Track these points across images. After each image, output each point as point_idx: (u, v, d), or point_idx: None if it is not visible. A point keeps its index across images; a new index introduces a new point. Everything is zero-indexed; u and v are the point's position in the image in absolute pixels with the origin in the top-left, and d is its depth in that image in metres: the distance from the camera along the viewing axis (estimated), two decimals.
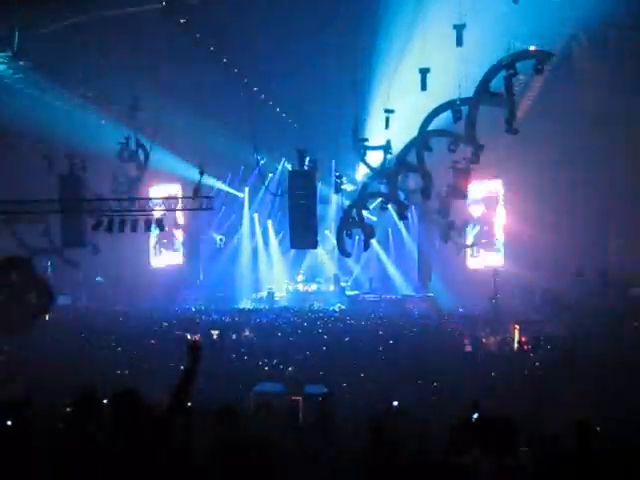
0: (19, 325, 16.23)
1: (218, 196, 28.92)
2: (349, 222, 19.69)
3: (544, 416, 8.12)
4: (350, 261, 29.30)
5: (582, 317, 19.91)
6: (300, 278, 31.98)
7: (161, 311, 24.56)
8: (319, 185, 22.51)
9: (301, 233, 20.42)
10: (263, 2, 17.72)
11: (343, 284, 31.08)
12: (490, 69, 15.71)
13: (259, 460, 5.53)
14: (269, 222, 33.21)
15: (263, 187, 29.90)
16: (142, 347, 17.04)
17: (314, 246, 21.89)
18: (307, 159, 20.78)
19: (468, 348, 18.09)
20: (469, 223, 22.60)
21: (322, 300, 29.77)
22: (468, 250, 28.05)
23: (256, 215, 33.38)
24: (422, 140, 17.75)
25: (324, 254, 31.48)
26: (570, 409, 8.70)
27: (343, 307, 28.14)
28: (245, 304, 28.97)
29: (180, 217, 29.46)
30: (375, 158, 20.99)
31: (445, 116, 17.37)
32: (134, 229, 18.09)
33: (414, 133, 18.03)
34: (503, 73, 15.42)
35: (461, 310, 24.53)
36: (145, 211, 18.34)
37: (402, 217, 22.90)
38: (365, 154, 20.94)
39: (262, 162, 28.00)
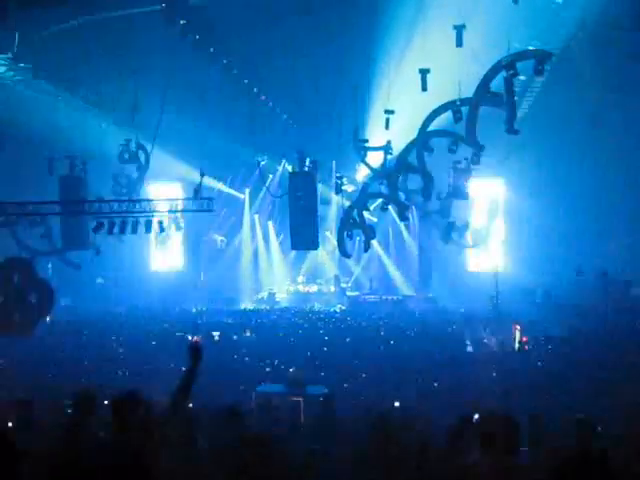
0: (20, 326, 16.25)
1: (219, 197, 28.94)
2: (350, 223, 19.70)
3: (545, 416, 8.11)
4: (351, 262, 29.31)
5: (583, 317, 19.91)
6: (301, 279, 32.01)
7: (162, 312, 24.58)
8: (319, 186, 22.54)
9: (302, 234, 20.45)
10: (263, 3, 17.73)
11: (344, 285, 31.11)
12: (490, 69, 15.72)
13: (260, 460, 5.54)
14: (270, 223, 33.24)
15: (264, 188, 29.93)
16: (143, 348, 17.06)
17: (315, 247, 21.92)
18: (307, 160, 20.81)
19: (469, 348, 18.13)
20: (470, 224, 22.61)
21: (323, 301, 29.83)
22: (469, 250, 28.04)
23: (257, 216, 33.41)
24: (422, 141, 17.76)
25: (325, 255, 31.49)
26: (570, 409, 8.70)
27: (344, 308, 28.16)
28: (246, 305, 28.99)
29: (181, 218, 29.47)
30: (375, 159, 21.00)
31: (446, 116, 17.38)
32: (135, 231, 18.09)
33: (414, 134, 18.04)
34: (503, 73, 15.43)
35: (462, 310, 24.53)
36: (146, 212, 18.34)
37: (403, 218, 22.95)
38: (365, 155, 20.94)
39: (263, 163, 28.03)
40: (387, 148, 19.93)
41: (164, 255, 32.34)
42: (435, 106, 17.54)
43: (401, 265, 31.43)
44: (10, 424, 6.91)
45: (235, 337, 19.23)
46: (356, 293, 30.68)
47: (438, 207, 21.86)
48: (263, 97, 23.19)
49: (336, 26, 18.68)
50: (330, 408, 9.43)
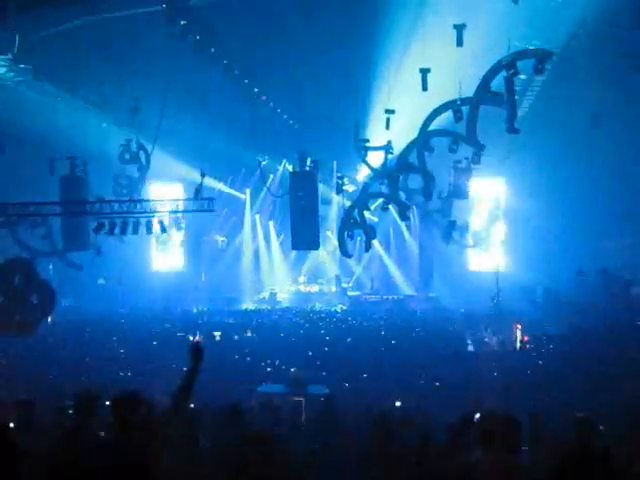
0: (22, 327, 16.27)
1: (220, 197, 28.94)
2: (350, 223, 19.69)
3: (546, 414, 8.11)
4: (351, 262, 29.32)
5: (583, 315, 19.91)
6: (302, 279, 32.03)
7: (163, 312, 24.59)
8: (320, 186, 22.54)
9: (303, 234, 20.46)
10: (263, 4, 17.74)
11: (345, 285, 31.11)
12: (491, 69, 15.72)
13: (262, 460, 5.54)
14: (271, 223, 33.24)
15: (264, 188, 29.94)
16: (144, 348, 17.07)
17: (316, 247, 21.92)
18: (308, 160, 20.82)
19: (470, 347, 18.15)
20: (470, 223, 22.63)
21: (324, 301, 29.84)
22: (469, 250, 28.05)
23: (258, 216, 33.42)
24: (423, 140, 17.75)
25: (325, 255, 31.50)
26: (571, 407, 8.70)
27: (345, 308, 28.16)
28: (247, 305, 29.01)
29: (182, 219, 29.47)
30: (376, 159, 21.01)
31: (446, 116, 17.38)
32: (136, 231, 18.10)
33: (415, 133, 18.04)
34: (504, 73, 15.43)
35: (463, 310, 24.53)
36: (147, 213, 18.35)
37: (403, 217, 22.95)
38: (366, 155, 20.94)
39: (263, 163, 28.04)
40: (388, 148, 19.93)
41: (165, 255, 32.36)
42: (435, 106, 17.55)
43: (402, 265, 31.42)
44: (12, 424, 6.91)
45: (236, 337, 19.24)
46: (357, 293, 30.68)
47: (439, 207, 21.88)
48: (264, 97, 23.19)
49: (337, 26, 18.68)
50: (331, 408, 9.43)
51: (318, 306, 28.69)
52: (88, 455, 5.07)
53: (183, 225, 29.34)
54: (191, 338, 18.10)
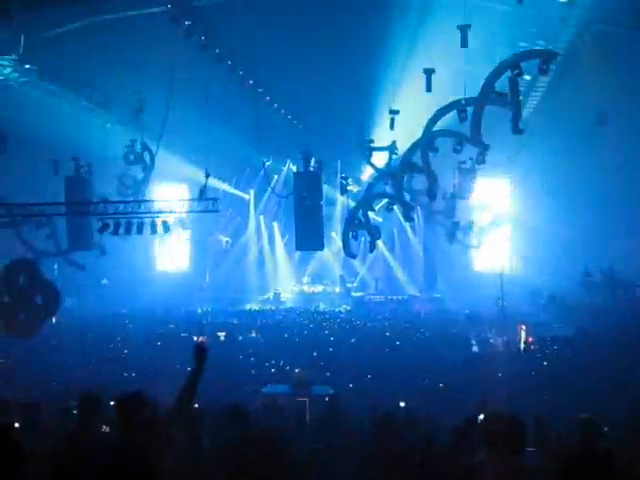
0: (26, 327, 16.29)
1: (224, 198, 28.95)
2: (355, 223, 19.67)
3: (550, 416, 8.09)
4: (356, 262, 29.31)
5: (589, 318, 19.86)
6: (306, 279, 32.02)
7: (167, 313, 24.61)
8: (325, 186, 22.54)
9: (307, 235, 20.45)
10: (268, 4, 17.74)
11: (349, 285, 31.10)
12: (495, 69, 15.68)
13: (265, 460, 5.54)
14: (275, 224, 33.26)
15: (269, 189, 29.94)
16: (148, 349, 17.08)
17: (320, 248, 21.93)
18: (312, 160, 20.81)
19: (474, 349, 18.11)
20: (475, 224, 22.58)
21: (328, 301, 29.82)
22: (474, 251, 28.01)
23: (262, 217, 33.44)
24: (427, 140, 17.71)
25: (330, 255, 31.48)
26: (576, 409, 8.68)
27: (349, 308, 28.16)
28: (251, 306, 29.02)
29: (186, 219, 29.51)
30: (380, 159, 20.99)
31: (450, 116, 17.35)
32: (140, 232, 18.12)
33: (419, 134, 18.01)
34: (508, 73, 15.39)
35: (467, 311, 24.50)
36: (151, 213, 18.37)
37: (408, 218, 22.86)
38: (370, 155, 20.92)
39: (268, 164, 28.09)
40: (392, 148, 19.91)
41: (169, 256, 32.40)
42: (440, 106, 17.52)
43: (406, 265, 31.42)
44: (17, 425, 6.92)
45: (240, 337, 19.26)
46: (361, 293, 30.69)
47: (443, 207, 21.84)
48: (268, 98, 23.19)
49: (341, 27, 18.68)
50: (335, 408, 9.42)
51: (322, 306, 28.70)
52: (91, 455, 5.07)
53: (189, 226, 29.36)
54: (195, 338, 18.11)
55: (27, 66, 20.08)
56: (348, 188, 23.81)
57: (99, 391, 6.65)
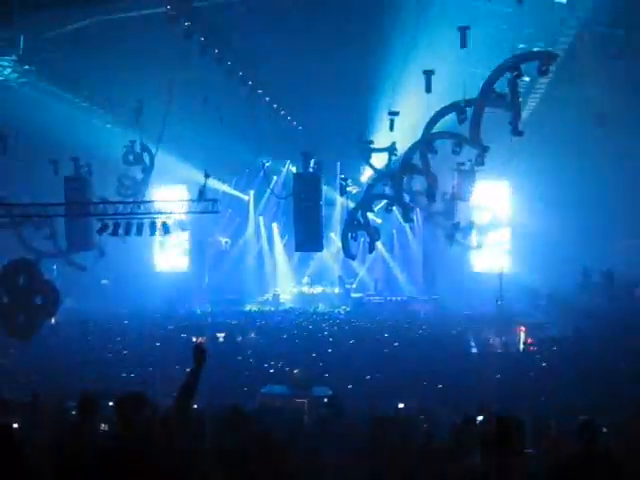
0: (25, 328, 16.30)
1: (223, 199, 28.95)
2: (354, 224, 19.65)
3: (550, 417, 8.10)
4: (355, 263, 29.30)
5: (588, 318, 19.88)
6: (305, 280, 32.00)
7: (166, 313, 24.62)
8: (324, 187, 22.53)
9: (306, 236, 20.43)
10: (267, 5, 17.75)
11: (348, 286, 31.09)
12: (494, 70, 15.69)
13: (264, 461, 5.54)
14: (274, 225, 33.24)
15: (268, 190, 29.94)
16: (147, 350, 17.09)
17: (319, 249, 21.90)
18: (312, 161, 20.78)
19: (473, 349, 18.13)
20: (474, 225, 22.57)
21: (327, 302, 29.82)
22: (473, 252, 28.01)
23: (261, 218, 33.43)
24: (426, 142, 17.72)
25: (329, 256, 31.48)
26: (576, 410, 8.69)
27: (348, 309, 28.15)
28: (250, 306, 29.02)
29: (185, 220, 29.54)
30: (380, 160, 20.99)
31: (450, 118, 17.36)
32: (140, 232, 18.12)
33: (419, 135, 18.02)
34: (508, 75, 15.40)
35: (466, 312, 24.52)
36: (150, 214, 18.37)
37: (407, 219, 22.86)
38: (370, 156, 20.91)
39: (267, 165, 28.07)
40: (391, 149, 19.90)
41: (169, 257, 32.40)
42: (439, 107, 17.53)
43: (406, 266, 31.42)
44: (15, 425, 6.92)
45: (240, 338, 19.26)
46: (360, 294, 30.66)
47: (442, 209, 21.83)
48: (267, 99, 23.19)
49: (341, 27, 18.69)
50: (334, 409, 9.42)
51: (321, 307, 28.70)
52: (91, 450, 5.07)
53: (188, 227, 29.36)
54: (194, 339, 18.11)
55: (27, 67, 20.09)
56: (347, 189, 23.78)
57: (98, 391, 6.66)
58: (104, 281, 29.45)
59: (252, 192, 32.87)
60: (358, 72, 20.55)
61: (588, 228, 23.91)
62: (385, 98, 20.62)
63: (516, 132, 15.37)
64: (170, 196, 26.25)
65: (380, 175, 20.51)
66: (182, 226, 24.78)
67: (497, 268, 24.71)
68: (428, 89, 16.70)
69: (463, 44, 15.39)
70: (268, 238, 33.42)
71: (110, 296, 28.11)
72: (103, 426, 6.53)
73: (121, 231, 17.91)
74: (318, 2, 17.98)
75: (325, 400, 10.53)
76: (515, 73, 15.05)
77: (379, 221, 26.76)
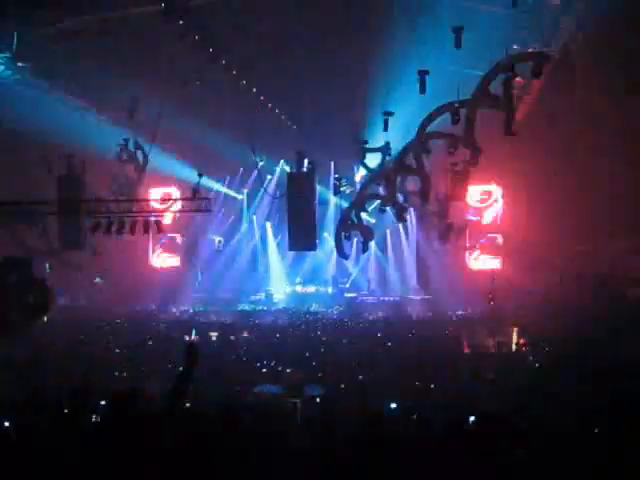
0: (18, 326, 16.23)
1: (217, 198, 28.91)
2: (348, 224, 19.69)
3: (542, 417, 8.12)
4: (348, 263, 29.32)
5: (581, 318, 19.93)
6: (299, 280, 31.99)
7: (159, 312, 24.58)
8: (318, 187, 22.54)
9: (300, 235, 20.44)
10: (262, 5, 17.74)
11: (341, 286, 31.10)
12: (489, 72, 15.74)
13: (258, 461, 5.54)
14: (268, 224, 33.19)
15: (262, 189, 29.92)
16: (140, 348, 17.04)
17: (313, 248, 21.92)
18: (306, 161, 20.81)
19: (466, 350, 18.14)
20: (467, 225, 22.64)
21: (320, 302, 29.80)
22: (466, 252, 28.06)
23: (255, 217, 33.38)
24: (420, 142, 17.75)
25: (323, 256, 31.47)
26: (569, 410, 8.71)
27: (341, 309, 28.15)
28: (243, 306, 28.99)
29: (179, 219, 29.49)
30: (374, 160, 21.00)
31: (444, 118, 17.39)
32: (133, 231, 18.08)
33: (413, 135, 18.05)
34: (502, 76, 15.44)
35: (459, 312, 24.54)
36: (144, 213, 18.34)
37: (401, 219, 22.93)
38: (364, 156, 20.94)
39: (261, 164, 28.04)
40: (386, 149, 19.93)
41: (162, 255, 32.31)
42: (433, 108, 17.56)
43: (399, 266, 31.42)
44: (7, 424, 6.90)
45: (232, 337, 19.23)
46: (354, 294, 30.67)
47: (436, 209, 21.88)
48: (262, 98, 23.17)
49: (335, 27, 18.69)
50: (327, 409, 9.42)
51: (315, 307, 28.68)
52: (83, 454, 5.06)
53: (180, 225, 29.30)
54: (187, 338, 18.09)
55: (20, 64, 20.01)
56: (341, 189, 23.84)
57: (89, 388, 6.64)
58: (97, 279, 29.37)
59: (246, 191, 32.81)
60: (352, 72, 20.54)
61: (581, 228, 23.98)
62: (380, 98, 20.63)
63: (509, 133, 15.42)
64: (163, 195, 26.20)
65: (374, 175, 20.54)
66: (175, 225, 24.79)
67: (490, 268, 24.75)
68: (422, 90, 16.74)
69: (458, 45, 15.44)
70: (262, 237, 33.36)
71: (103, 294, 28.03)
72: (95, 417, 6.50)
73: (114, 230, 17.87)
74: (312, 2, 17.98)
75: (318, 400, 10.52)
76: (509, 74, 15.10)
77: (373, 221, 26.76)
